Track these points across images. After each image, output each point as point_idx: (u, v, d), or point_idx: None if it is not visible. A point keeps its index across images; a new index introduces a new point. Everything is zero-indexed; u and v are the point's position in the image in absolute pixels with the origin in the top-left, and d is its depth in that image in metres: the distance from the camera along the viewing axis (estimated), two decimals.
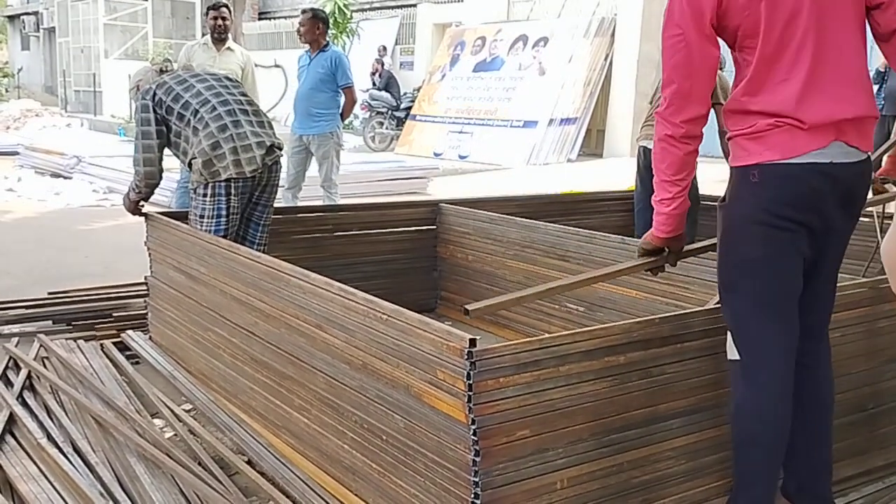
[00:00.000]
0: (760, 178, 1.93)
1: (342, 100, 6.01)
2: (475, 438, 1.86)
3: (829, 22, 1.90)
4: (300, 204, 5.80)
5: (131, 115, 16.31)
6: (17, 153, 11.75)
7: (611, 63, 12.91)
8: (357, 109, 15.32)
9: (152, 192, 3.74)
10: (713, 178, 4.96)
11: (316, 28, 5.94)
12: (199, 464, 2.56)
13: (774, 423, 2.03)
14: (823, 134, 1.90)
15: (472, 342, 1.83)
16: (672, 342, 2.15)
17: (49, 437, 2.70)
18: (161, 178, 3.70)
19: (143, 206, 3.81)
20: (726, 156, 4.90)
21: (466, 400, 1.85)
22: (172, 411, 2.98)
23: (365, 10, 18.80)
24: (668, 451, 2.17)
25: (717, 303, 2.31)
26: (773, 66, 1.92)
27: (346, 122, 15.92)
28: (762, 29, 1.90)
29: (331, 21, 15.63)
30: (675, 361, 2.16)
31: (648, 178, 4.86)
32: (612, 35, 13.01)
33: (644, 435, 2.13)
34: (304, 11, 6.08)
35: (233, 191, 3.51)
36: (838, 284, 2.22)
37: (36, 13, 28.78)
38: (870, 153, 2.00)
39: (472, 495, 1.88)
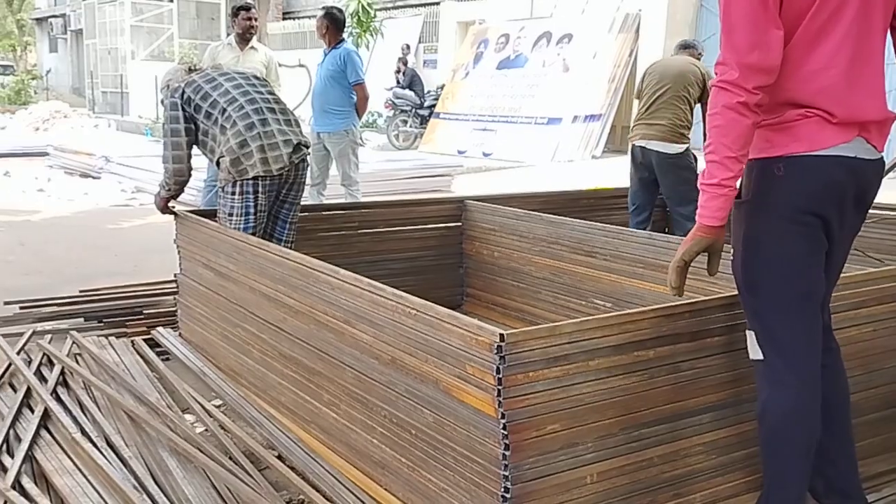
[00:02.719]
0: (786, 172, 1.89)
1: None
2: (505, 433, 1.86)
3: (869, 21, 1.87)
4: (326, 201, 5.82)
5: (158, 115, 16.53)
6: (46, 154, 11.92)
7: (635, 59, 12.84)
8: (381, 108, 15.41)
9: (182, 190, 3.78)
10: None
11: (324, 27, 5.97)
12: (230, 458, 2.58)
13: (805, 422, 2.00)
14: (849, 129, 1.88)
15: (502, 336, 1.83)
16: (702, 336, 2.14)
17: (83, 431, 2.74)
18: (190, 175, 3.74)
19: (173, 205, 3.85)
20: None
21: (496, 394, 1.85)
22: (203, 407, 3.01)
23: (388, 8, 18.84)
24: (698, 446, 2.17)
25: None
26: (813, 52, 1.85)
27: (371, 120, 15.94)
28: (814, 8, 1.82)
29: (354, 20, 15.87)
30: (705, 356, 2.15)
31: (649, 177, 4.88)
32: (637, 31, 12.95)
33: (674, 430, 2.12)
34: (322, 9, 6.15)
35: (260, 189, 3.53)
36: (869, 276, 2.19)
37: (63, 15, 29.16)
38: (883, 155, 1.97)
39: (502, 489, 1.89)
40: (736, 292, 2.09)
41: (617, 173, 5.11)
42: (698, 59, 5.13)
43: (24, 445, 2.62)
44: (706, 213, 1.93)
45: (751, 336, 2.03)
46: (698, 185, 1.96)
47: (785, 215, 1.91)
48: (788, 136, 1.89)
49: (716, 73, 1.88)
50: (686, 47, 5.24)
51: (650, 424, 2.08)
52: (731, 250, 2.06)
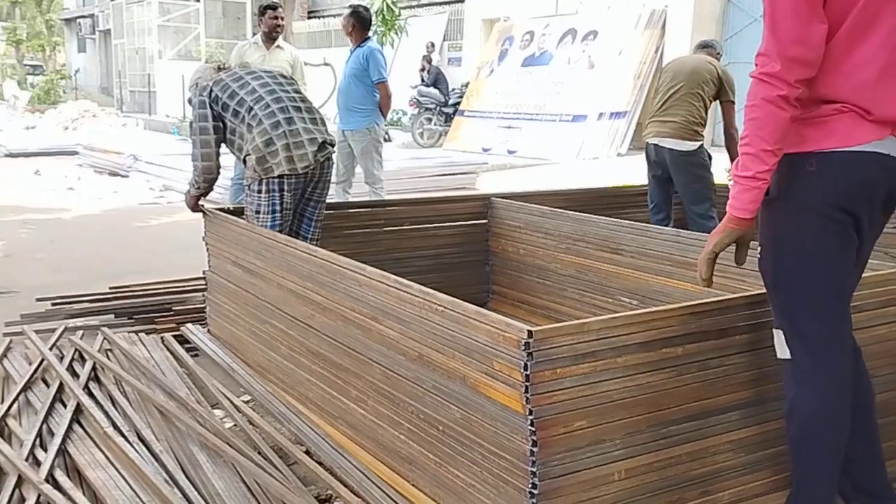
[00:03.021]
0: (819, 168, 1.87)
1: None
2: (532, 429, 1.87)
3: None
4: (352, 199, 5.85)
5: (185, 114, 16.67)
6: (76, 153, 12.08)
7: (661, 56, 12.74)
8: (406, 106, 15.44)
9: (211, 188, 3.82)
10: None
11: (350, 25, 6.00)
12: (259, 453, 2.61)
13: (834, 421, 1.98)
14: (883, 127, 1.85)
15: (530, 333, 1.83)
16: (730, 334, 2.13)
17: (114, 426, 2.78)
18: (219, 173, 3.77)
19: (203, 203, 3.89)
20: (731, 157, 4.92)
21: (524, 391, 1.86)
22: (232, 402, 3.04)
23: (413, 6, 18.86)
24: (726, 443, 2.16)
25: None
26: (855, 49, 1.83)
27: (395, 118, 15.97)
28: (859, 5, 1.80)
29: (378, 18, 15.92)
30: (733, 353, 2.14)
31: (663, 175, 4.85)
32: (663, 27, 12.85)
33: (702, 427, 2.11)
34: (348, 8, 6.18)
35: (286, 187, 3.55)
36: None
37: (92, 16, 29.50)
38: None
39: (530, 485, 1.89)
40: (763, 290, 2.08)
41: (642, 171, 5.09)
42: (717, 58, 5.09)
43: (58, 440, 2.67)
44: (738, 204, 1.93)
45: (778, 335, 2.02)
46: (731, 176, 1.95)
47: (817, 211, 1.89)
48: (822, 131, 1.87)
49: (756, 64, 1.86)
50: (705, 47, 5.22)
51: (678, 422, 2.07)
52: (759, 248, 2.04)
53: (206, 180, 3.76)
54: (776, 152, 1.86)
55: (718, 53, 5.20)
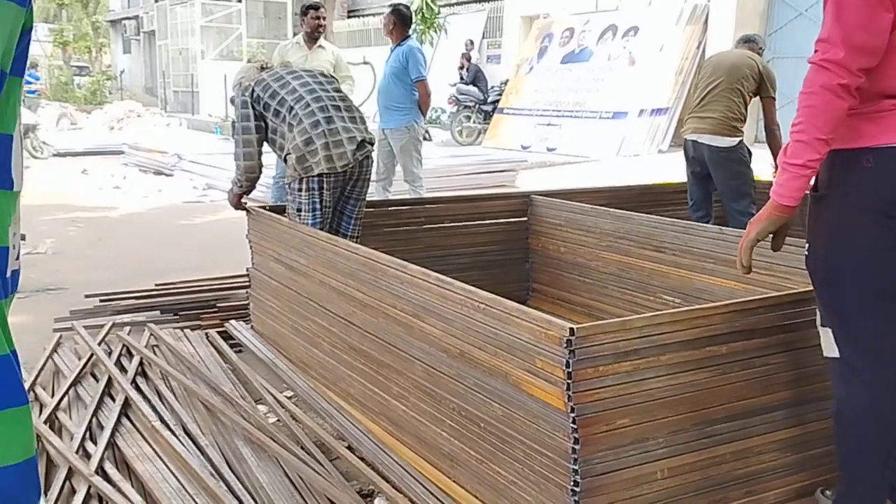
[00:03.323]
0: (876, 163, 1.83)
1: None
2: (574, 426, 1.87)
3: None
4: (392, 197, 5.88)
5: (227, 114, 16.86)
6: (122, 152, 12.31)
7: (703, 51, 12.59)
8: (445, 104, 15.46)
9: (253, 186, 3.86)
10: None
11: (391, 23, 6.03)
12: (302, 448, 2.64)
13: (886, 422, 1.94)
14: None
15: (572, 331, 1.83)
16: (775, 332, 2.11)
17: (161, 420, 2.84)
18: (261, 171, 3.82)
19: (245, 201, 3.94)
20: (774, 153, 4.81)
21: (565, 388, 1.86)
22: (275, 397, 3.08)
23: (452, 4, 18.86)
24: (770, 443, 2.14)
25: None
26: None
27: (434, 116, 15.98)
28: None
29: (418, 17, 15.96)
30: (777, 352, 2.12)
31: (702, 171, 4.79)
32: (705, 22, 12.70)
33: (746, 426, 2.10)
34: (388, 7, 6.21)
35: (325, 185, 3.58)
36: None
37: (136, 17, 30.00)
38: None
39: (572, 483, 1.89)
40: (808, 287, 2.05)
41: (684, 167, 5.03)
42: (759, 53, 5.00)
43: (107, 433, 2.73)
44: (785, 192, 1.91)
45: (826, 333, 1.98)
46: (779, 162, 1.92)
47: (874, 208, 1.85)
48: (879, 126, 1.83)
49: (816, 51, 1.83)
50: (747, 41, 5.13)
51: (721, 420, 2.06)
52: (806, 245, 2.01)
53: (249, 179, 3.80)
54: (829, 142, 1.84)
55: (760, 48, 5.11)
